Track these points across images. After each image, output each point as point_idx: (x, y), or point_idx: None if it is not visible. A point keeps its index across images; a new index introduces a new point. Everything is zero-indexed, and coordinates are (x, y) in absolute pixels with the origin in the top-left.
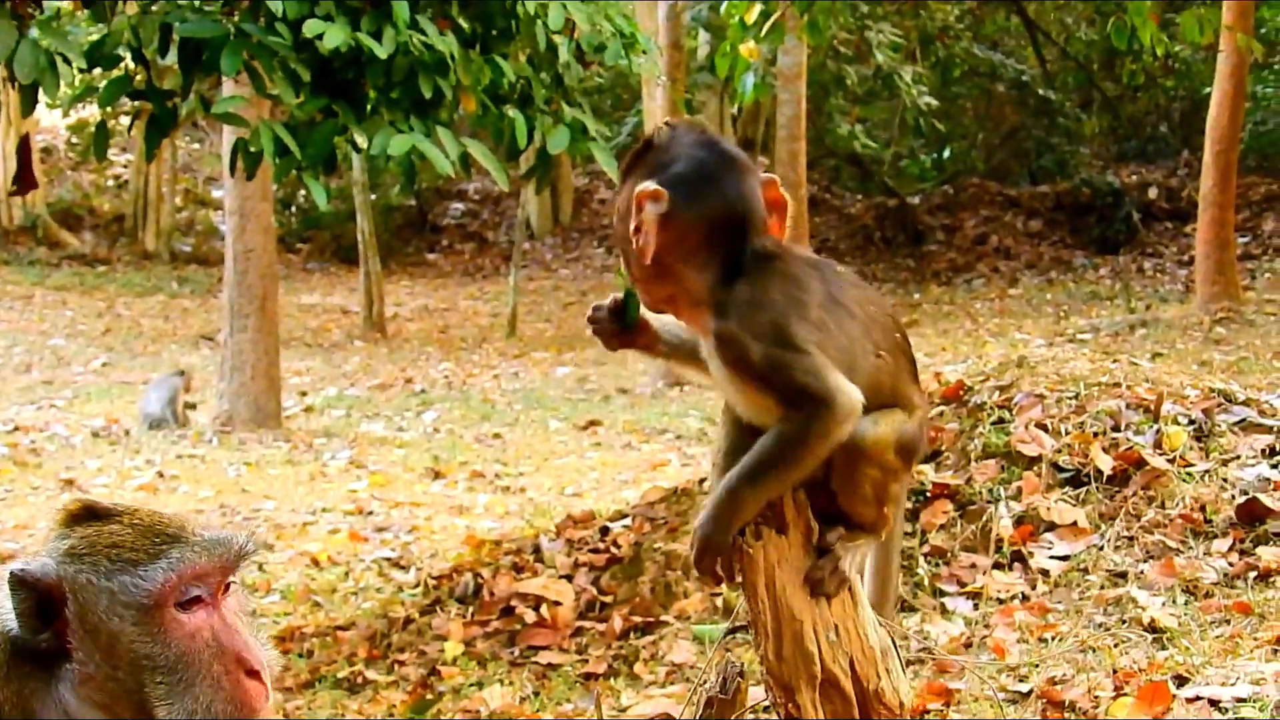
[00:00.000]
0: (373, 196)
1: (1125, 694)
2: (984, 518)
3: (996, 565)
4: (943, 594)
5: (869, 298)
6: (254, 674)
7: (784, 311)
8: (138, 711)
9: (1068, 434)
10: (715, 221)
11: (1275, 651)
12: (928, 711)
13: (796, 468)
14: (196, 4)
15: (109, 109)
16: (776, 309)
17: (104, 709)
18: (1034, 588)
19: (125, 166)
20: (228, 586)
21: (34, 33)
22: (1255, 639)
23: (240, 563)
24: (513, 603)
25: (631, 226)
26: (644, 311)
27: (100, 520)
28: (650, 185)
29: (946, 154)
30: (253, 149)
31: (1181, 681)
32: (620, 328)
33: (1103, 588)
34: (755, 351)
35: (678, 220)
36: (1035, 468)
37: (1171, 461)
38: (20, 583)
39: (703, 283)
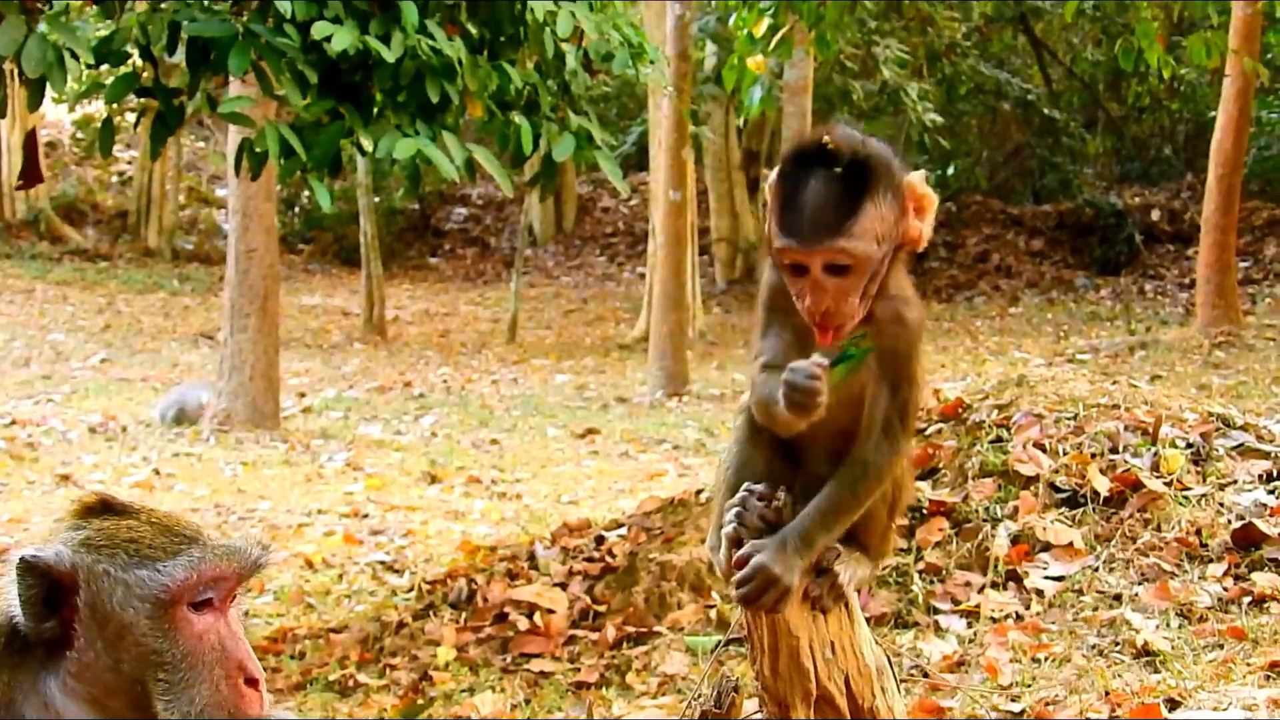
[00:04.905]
0: (376, 199)
1: (1117, 716)
2: (980, 536)
3: (991, 584)
4: (937, 611)
5: None
6: (253, 682)
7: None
8: (131, 706)
9: (1065, 454)
10: None
11: (1268, 677)
12: None
13: (862, 507)
14: (205, 3)
15: (115, 105)
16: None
17: (95, 703)
18: (1028, 607)
19: (130, 163)
20: (234, 595)
21: (42, 27)
22: (1248, 664)
23: (255, 573)
24: (506, 609)
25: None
26: None
27: (117, 515)
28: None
29: (950, 171)
30: (258, 149)
31: (1174, 705)
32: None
33: (1097, 609)
34: (913, 348)
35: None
36: (1032, 487)
37: (1168, 484)
38: (30, 569)
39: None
